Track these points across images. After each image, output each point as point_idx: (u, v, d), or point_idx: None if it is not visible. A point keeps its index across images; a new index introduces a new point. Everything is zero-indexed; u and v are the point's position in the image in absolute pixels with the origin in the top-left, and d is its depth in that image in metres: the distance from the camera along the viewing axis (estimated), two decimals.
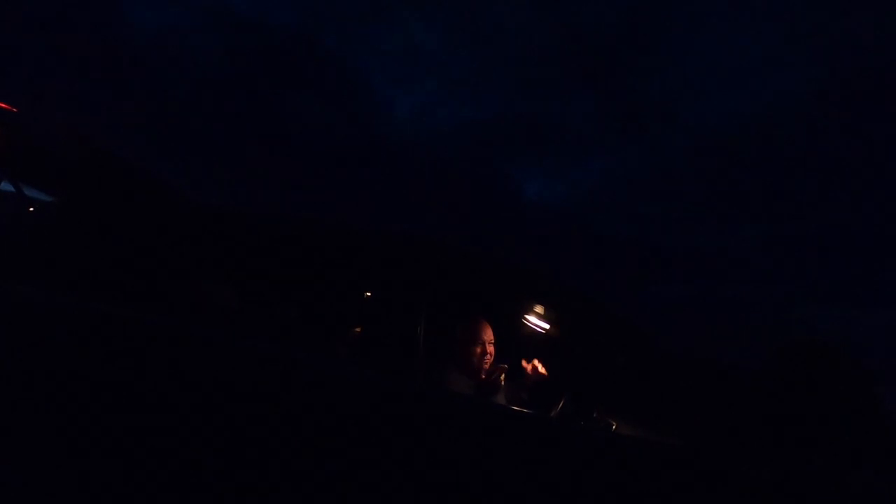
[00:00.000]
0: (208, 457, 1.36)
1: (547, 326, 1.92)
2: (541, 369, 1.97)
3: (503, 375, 1.89)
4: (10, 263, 1.79)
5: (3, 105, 1.84)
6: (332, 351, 1.91)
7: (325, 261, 1.98)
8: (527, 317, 1.93)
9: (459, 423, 1.41)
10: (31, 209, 2.01)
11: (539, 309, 1.86)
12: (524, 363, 1.99)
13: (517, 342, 2.09)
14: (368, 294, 2.05)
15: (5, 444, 1.41)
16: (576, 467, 1.35)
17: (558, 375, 2.10)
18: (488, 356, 1.91)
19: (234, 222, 1.96)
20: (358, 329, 2.04)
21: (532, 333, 2.00)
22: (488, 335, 1.93)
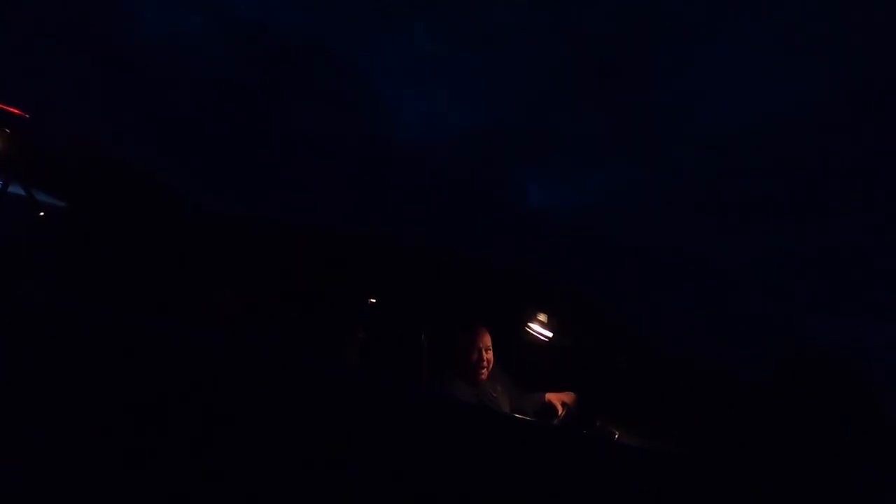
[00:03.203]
0: (211, 460, 1.37)
1: (550, 334, 1.92)
2: (569, 401, 2.01)
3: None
4: (19, 266, 1.82)
5: (15, 110, 1.87)
6: (336, 356, 1.92)
7: (328, 266, 1.99)
8: (530, 324, 1.93)
9: (461, 430, 1.42)
10: (42, 213, 2.04)
11: (542, 316, 1.86)
12: (553, 399, 2.03)
13: (520, 349, 2.10)
14: (373, 300, 2.06)
15: (10, 447, 1.43)
16: (577, 476, 1.35)
17: (562, 384, 2.10)
18: (485, 362, 1.91)
19: (238, 227, 1.98)
20: (361, 335, 2.05)
21: (535, 341, 2.01)
22: (485, 341, 1.93)
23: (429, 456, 1.36)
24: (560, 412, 1.95)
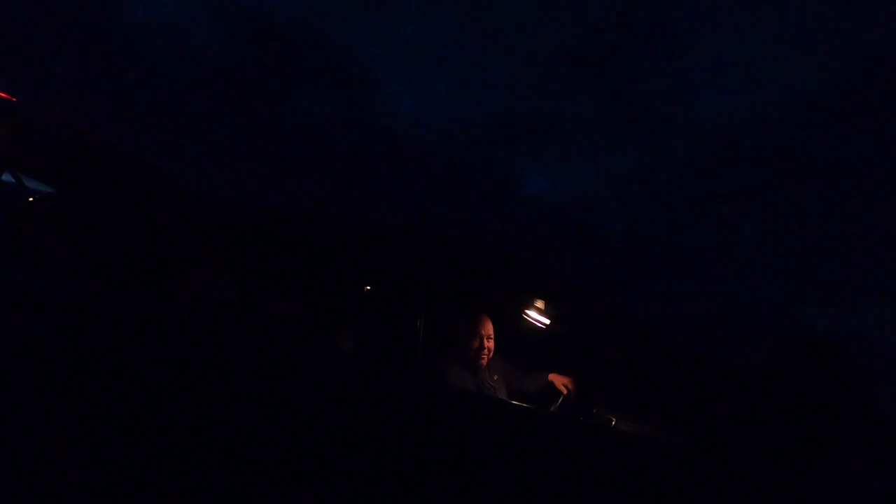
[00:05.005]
0: (207, 452, 1.36)
1: (547, 321, 1.92)
2: (570, 384, 2.05)
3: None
4: (9, 254, 1.79)
5: (2, 94, 1.83)
6: (332, 344, 1.91)
7: (325, 254, 1.97)
8: (527, 312, 1.92)
9: (458, 417, 1.41)
10: (31, 200, 2.00)
11: (539, 304, 1.86)
12: (555, 380, 2.06)
13: (518, 337, 2.09)
14: (368, 287, 2.04)
15: (2, 440, 1.41)
16: (574, 463, 1.35)
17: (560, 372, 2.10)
18: (486, 350, 1.92)
19: (234, 215, 1.95)
20: (357, 323, 2.03)
21: (534, 328, 2.00)
22: (487, 329, 1.94)
23: (426, 443, 1.35)
24: (563, 392, 2.00)
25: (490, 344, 1.93)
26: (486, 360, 1.92)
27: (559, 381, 2.05)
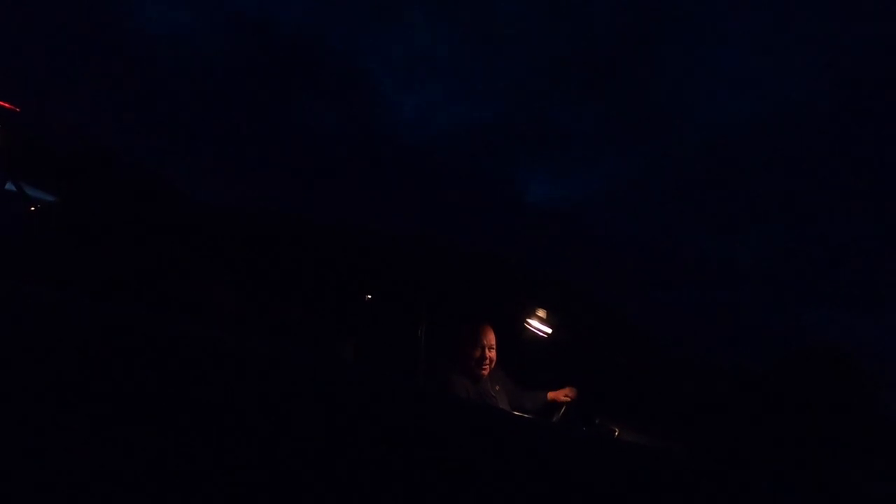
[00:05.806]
0: (207, 459, 1.35)
1: (549, 330, 1.90)
2: (571, 395, 2.06)
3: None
4: (11, 263, 1.79)
5: (5, 104, 1.84)
6: (333, 352, 1.90)
7: (326, 261, 1.97)
8: (530, 321, 1.91)
9: (459, 427, 1.40)
10: (33, 209, 2.01)
11: (541, 312, 1.84)
12: (554, 397, 2.07)
13: (521, 346, 2.08)
14: (370, 296, 2.04)
15: (4, 444, 1.41)
16: (577, 474, 1.33)
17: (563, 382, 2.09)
18: (487, 360, 1.90)
19: (235, 221, 1.96)
20: (359, 330, 2.03)
21: (535, 337, 1.99)
22: (489, 339, 1.92)
23: (426, 452, 1.34)
24: (567, 401, 2.00)
25: (492, 354, 1.91)
26: (487, 369, 1.91)
27: (559, 395, 2.05)
